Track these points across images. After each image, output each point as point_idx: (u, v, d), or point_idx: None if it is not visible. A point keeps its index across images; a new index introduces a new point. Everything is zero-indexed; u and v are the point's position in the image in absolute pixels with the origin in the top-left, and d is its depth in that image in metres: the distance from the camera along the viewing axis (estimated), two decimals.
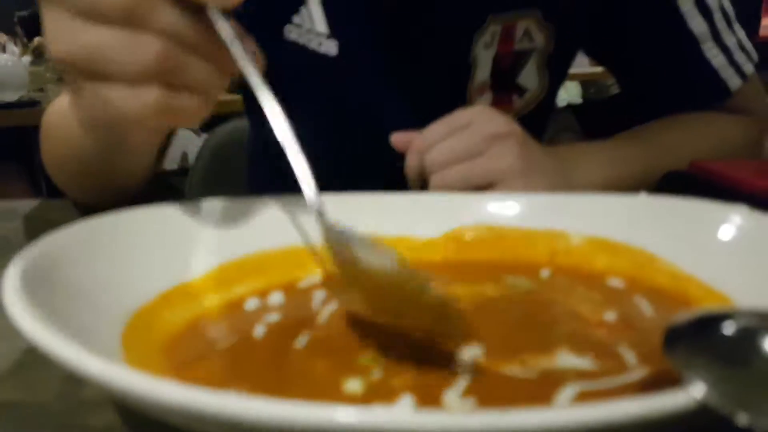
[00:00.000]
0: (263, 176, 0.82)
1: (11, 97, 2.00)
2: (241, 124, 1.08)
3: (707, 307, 0.31)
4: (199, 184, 1.13)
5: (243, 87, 0.80)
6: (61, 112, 0.59)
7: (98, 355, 0.22)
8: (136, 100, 0.34)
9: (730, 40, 0.70)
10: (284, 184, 0.70)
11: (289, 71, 0.70)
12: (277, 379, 0.28)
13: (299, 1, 0.66)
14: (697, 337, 0.21)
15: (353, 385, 0.26)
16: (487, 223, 0.42)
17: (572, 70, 0.80)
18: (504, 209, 0.43)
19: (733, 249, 0.34)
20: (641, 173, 0.62)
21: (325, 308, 0.35)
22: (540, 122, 0.77)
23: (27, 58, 2.20)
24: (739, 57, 0.71)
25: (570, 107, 3.15)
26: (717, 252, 0.34)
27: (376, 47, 0.67)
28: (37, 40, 2.89)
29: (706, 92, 0.72)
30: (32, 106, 1.97)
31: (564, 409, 0.19)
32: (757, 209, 0.47)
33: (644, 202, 0.41)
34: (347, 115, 0.71)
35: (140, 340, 0.29)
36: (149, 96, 0.34)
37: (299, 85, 0.70)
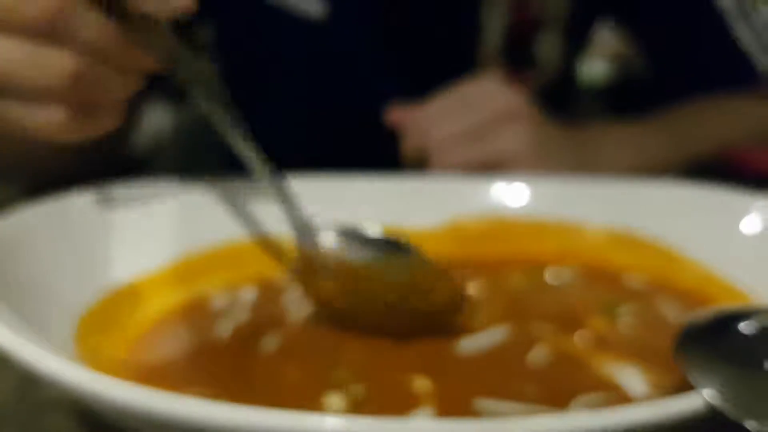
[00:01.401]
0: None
1: None
2: None
3: (721, 307, 0.32)
4: (172, 164, 1.14)
5: (224, 65, 0.80)
6: None
7: (51, 353, 0.22)
8: (40, 118, 0.33)
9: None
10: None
11: (271, 40, 0.70)
12: (244, 385, 0.29)
13: None
14: (708, 341, 0.22)
15: (330, 399, 0.27)
16: (491, 212, 0.43)
17: (599, 49, 0.81)
18: (510, 196, 0.43)
19: (757, 242, 0.35)
20: (669, 160, 0.63)
21: (299, 308, 0.35)
22: (560, 101, 0.77)
23: None
24: None
25: (596, 89, 3.15)
26: (740, 245, 0.35)
27: (370, 10, 0.68)
28: None
29: (735, 73, 0.72)
30: None
31: (567, 415, 0.19)
32: None
33: (666, 190, 0.41)
34: (336, 89, 0.71)
35: (96, 337, 0.30)
36: (56, 115, 0.33)
37: (282, 56, 0.71)
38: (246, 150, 0.38)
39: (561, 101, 0.79)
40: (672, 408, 0.19)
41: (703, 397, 0.19)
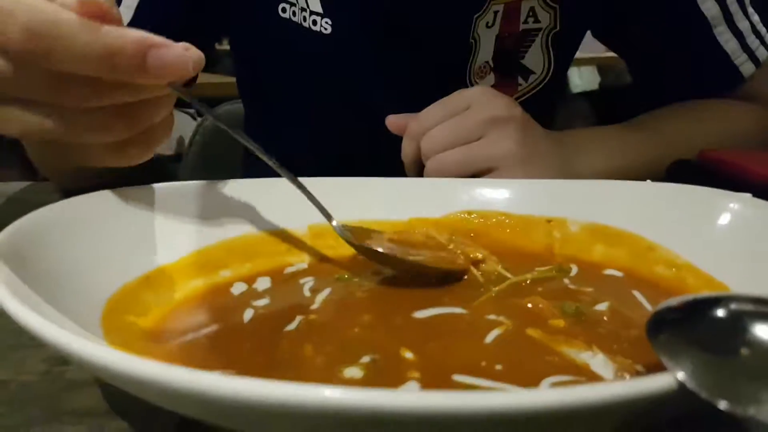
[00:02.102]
0: (260, 161, 0.82)
1: None
2: (235, 107, 1.09)
3: (695, 294, 0.32)
4: (194, 168, 1.14)
5: (238, 70, 0.80)
6: None
7: (79, 335, 0.23)
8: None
9: (743, 24, 0.70)
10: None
11: (283, 50, 0.70)
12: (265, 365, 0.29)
13: None
14: (681, 324, 0.22)
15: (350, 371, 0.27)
16: (481, 209, 0.43)
17: (588, 54, 0.81)
18: (500, 195, 0.44)
19: (733, 237, 0.35)
20: (648, 162, 0.62)
21: (317, 296, 0.36)
22: (548, 108, 0.77)
23: None
24: (753, 42, 0.71)
25: (585, 94, 3.14)
26: (717, 240, 0.35)
27: (371, 26, 0.68)
28: None
29: (717, 78, 0.72)
30: None
31: (542, 391, 0.19)
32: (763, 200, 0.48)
33: (645, 188, 0.41)
34: (341, 96, 0.71)
35: (120, 322, 0.30)
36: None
37: (293, 64, 0.71)
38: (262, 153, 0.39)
39: (549, 110, 0.79)
40: (645, 386, 0.18)
41: (675, 377, 0.19)
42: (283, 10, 0.68)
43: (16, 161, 2.30)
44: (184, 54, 0.33)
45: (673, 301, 0.23)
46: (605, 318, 0.32)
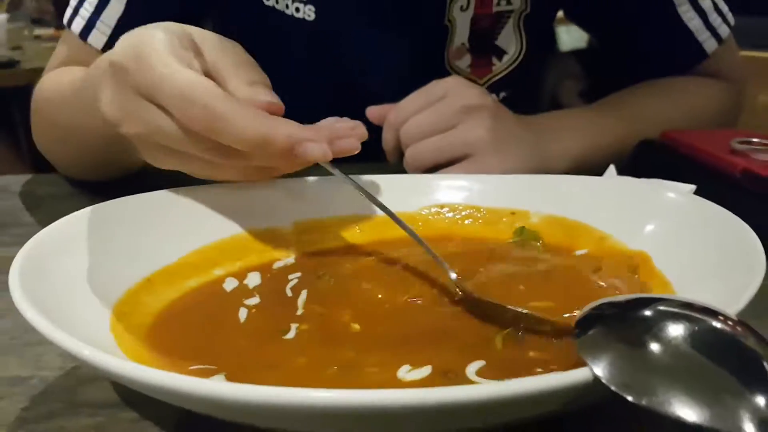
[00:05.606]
0: None
1: None
2: None
3: (624, 295, 0.35)
4: None
5: None
6: (61, 94, 0.61)
7: (88, 339, 0.26)
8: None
9: (705, 3, 0.73)
10: None
11: (269, 36, 0.73)
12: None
13: None
14: (605, 324, 0.26)
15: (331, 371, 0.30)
16: (452, 203, 0.46)
17: None
18: (468, 190, 0.47)
19: (675, 228, 0.38)
20: (617, 142, 0.66)
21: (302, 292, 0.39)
22: (523, 86, 0.79)
23: (4, 16, 2.21)
24: (715, 20, 0.74)
25: (574, 53, 3.12)
26: (660, 231, 0.39)
27: (352, 12, 0.70)
28: None
29: (682, 54, 0.75)
30: (11, 66, 1.99)
31: (465, 387, 0.22)
32: (715, 179, 0.52)
33: (599, 182, 0.45)
34: (325, 80, 0.74)
35: (127, 321, 0.34)
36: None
37: (277, 49, 0.73)
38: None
39: (528, 89, 0.82)
40: (562, 379, 0.22)
41: (591, 371, 0.23)
42: None
43: None
44: (326, 149, 0.38)
45: (599, 302, 0.27)
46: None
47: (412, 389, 0.22)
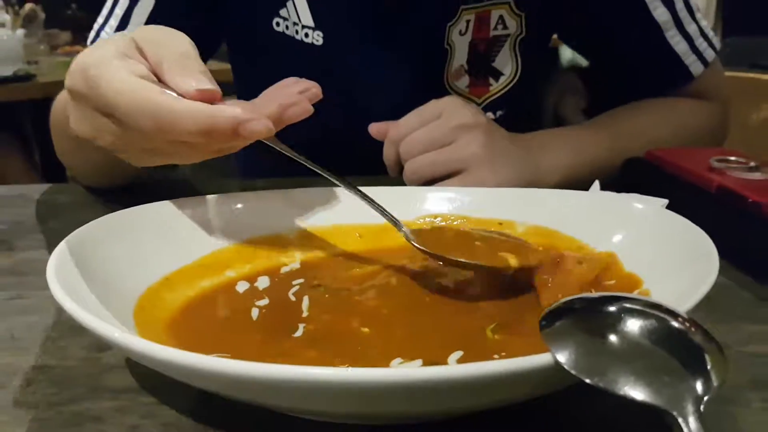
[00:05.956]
0: (255, 158, 0.89)
1: (7, 71, 2.07)
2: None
3: (591, 293, 0.39)
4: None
5: (233, 68, 0.86)
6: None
7: (117, 326, 0.30)
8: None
9: (691, 28, 0.77)
10: (275, 166, 0.80)
11: (278, 59, 0.77)
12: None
13: None
14: (569, 317, 0.29)
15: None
16: (445, 213, 0.51)
17: None
18: (460, 202, 0.51)
19: (648, 240, 0.42)
20: (605, 159, 0.69)
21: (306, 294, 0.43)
22: (524, 105, 0.83)
23: (21, 31, 2.27)
24: (701, 44, 0.78)
25: (576, 70, 3.17)
26: (633, 242, 0.42)
27: (358, 37, 0.74)
28: (28, 6, 2.93)
29: (670, 76, 0.79)
30: (27, 80, 2.04)
31: (440, 368, 0.26)
32: (693, 195, 0.55)
33: (579, 196, 0.49)
34: (332, 98, 0.78)
35: (149, 315, 0.38)
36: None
37: (286, 70, 0.77)
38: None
39: (524, 106, 0.85)
40: (526, 363, 0.26)
41: (554, 358, 0.27)
42: (277, 24, 0.75)
43: (7, 147, 2.38)
44: (268, 124, 0.41)
45: (565, 299, 0.30)
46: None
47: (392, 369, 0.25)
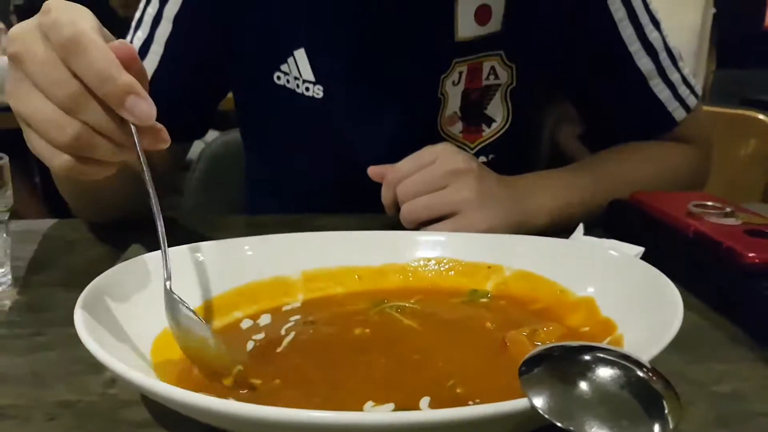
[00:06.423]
0: (261, 197, 0.93)
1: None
2: (234, 137, 1.18)
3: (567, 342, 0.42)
4: (197, 188, 1.24)
5: (237, 104, 0.90)
6: None
7: (135, 367, 0.33)
8: (54, 159, 0.47)
9: (674, 77, 0.81)
10: (281, 205, 0.84)
11: (279, 111, 0.81)
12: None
13: (286, 54, 0.77)
14: (547, 364, 0.32)
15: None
16: (437, 256, 0.54)
17: None
18: (451, 245, 0.55)
19: (618, 287, 0.46)
20: (589, 201, 0.73)
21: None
22: (517, 148, 0.87)
23: None
24: (683, 92, 0.82)
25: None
26: (607, 288, 0.46)
27: (357, 91, 0.79)
28: None
29: (654, 122, 0.83)
30: None
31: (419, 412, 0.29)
32: (672, 238, 0.59)
33: (562, 243, 0.52)
34: (330, 143, 0.82)
35: (162, 357, 0.41)
36: (62, 159, 0.47)
37: (289, 123, 0.81)
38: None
39: (517, 149, 0.89)
40: (503, 408, 0.29)
41: (530, 402, 0.30)
42: (278, 78, 0.79)
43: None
44: (152, 113, 0.45)
45: (543, 347, 0.34)
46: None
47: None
